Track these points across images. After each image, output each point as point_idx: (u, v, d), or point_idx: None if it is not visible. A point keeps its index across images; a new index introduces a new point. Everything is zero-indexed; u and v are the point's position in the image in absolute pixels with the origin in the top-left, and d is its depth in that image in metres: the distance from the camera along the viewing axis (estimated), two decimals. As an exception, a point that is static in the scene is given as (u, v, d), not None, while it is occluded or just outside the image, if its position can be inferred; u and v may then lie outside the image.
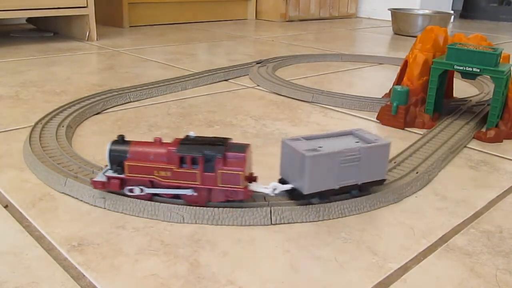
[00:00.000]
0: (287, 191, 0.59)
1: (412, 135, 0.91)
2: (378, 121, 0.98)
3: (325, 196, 0.59)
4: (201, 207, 0.57)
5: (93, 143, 0.80)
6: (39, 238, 0.53)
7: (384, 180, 0.63)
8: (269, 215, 0.57)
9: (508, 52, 0.99)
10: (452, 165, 0.78)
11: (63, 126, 0.83)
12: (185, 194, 0.57)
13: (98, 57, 1.53)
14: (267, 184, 0.59)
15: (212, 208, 0.57)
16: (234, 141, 0.59)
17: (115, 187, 0.58)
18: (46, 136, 0.78)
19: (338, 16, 3.08)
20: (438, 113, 0.98)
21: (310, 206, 0.59)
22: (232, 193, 0.56)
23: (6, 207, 0.59)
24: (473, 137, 0.90)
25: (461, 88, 1.27)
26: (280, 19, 2.76)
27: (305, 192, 0.57)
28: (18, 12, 1.57)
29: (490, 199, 0.66)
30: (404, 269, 0.50)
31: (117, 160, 0.58)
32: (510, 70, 0.90)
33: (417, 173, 0.70)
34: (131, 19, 2.26)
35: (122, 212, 0.58)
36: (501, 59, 0.92)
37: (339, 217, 0.60)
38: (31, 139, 0.76)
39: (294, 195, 0.59)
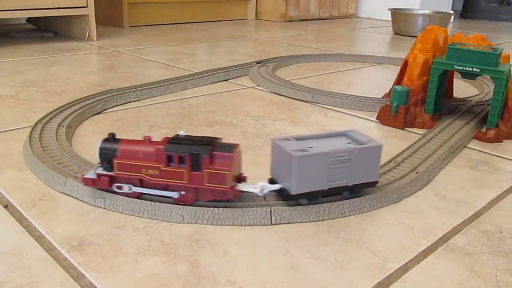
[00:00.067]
0: (275, 191, 0.59)
1: (412, 135, 0.91)
2: (378, 121, 0.98)
3: (314, 197, 0.59)
4: (201, 207, 0.57)
5: (93, 143, 0.80)
6: (39, 238, 0.53)
7: (376, 182, 0.62)
8: (269, 215, 0.57)
9: (508, 52, 0.99)
10: (452, 165, 0.78)
11: (63, 126, 0.83)
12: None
13: (98, 57, 1.53)
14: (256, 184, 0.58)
15: (212, 208, 0.57)
16: (224, 141, 0.59)
17: (105, 184, 0.58)
18: (46, 136, 0.78)
19: (338, 16, 3.09)
20: (438, 113, 0.98)
21: (310, 206, 0.59)
22: (219, 192, 0.56)
23: (6, 207, 0.59)
24: (473, 137, 0.90)
25: (461, 88, 1.27)
26: (280, 19, 2.76)
27: (293, 192, 0.57)
28: (18, 12, 1.57)
29: (490, 199, 0.66)
30: (404, 269, 0.50)
31: (107, 157, 0.58)
32: (510, 70, 0.90)
33: (417, 173, 0.70)
34: (131, 19, 2.26)
35: (122, 212, 0.58)
36: (501, 59, 0.92)
37: (339, 217, 0.60)
38: (31, 139, 0.76)
39: (282, 196, 0.59)
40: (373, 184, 0.62)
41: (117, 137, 0.60)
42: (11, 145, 0.78)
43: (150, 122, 0.92)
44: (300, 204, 0.59)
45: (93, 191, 0.60)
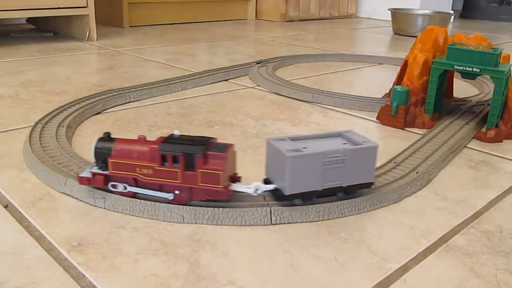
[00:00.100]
0: (270, 191, 0.59)
1: (412, 135, 0.91)
2: (378, 121, 0.98)
3: (309, 198, 0.58)
4: (201, 207, 0.57)
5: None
6: (39, 238, 0.53)
7: (372, 183, 0.61)
8: (269, 215, 0.57)
9: (508, 52, 0.99)
10: (452, 165, 0.78)
11: (63, 126, 0.83)
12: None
13: (98, 57, 1.53)
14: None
15: (212, 208, 0.57)
16: (219, 141, 0.59)
17: (99, 183, 0.59)
18: (46, 136, 0.78)
19: (338, 16, 3.09)
20: (438, 113, 0.98)
21: (310, 206, 0.59)
22: (213, 192, 0.56)
23: (6, 207, 0.59)
24: (473, 137, 0.90)
25: (461, 88, 1.27)
26: (280, 19, 2.76)
27: (287, 192, 0.56)
28: (18, 12, 1.57)
29: (490, 199, 0.66)
30: (404, 269, 0.50)
31: (102, 157, 0.59)
32: (510, 70, 0.90)
33: (417, 173, 0.70)
34: (131, 19, 2.26)
35: (122, 212, 0.58)
36: (501, 59, 0.92)
37: (339, 217, 0.60)
38: (31, 139, 0.76)
39: (276, 196, 0.59)
40: (368, 185, 0.61)
41: (113, 136, 0.60)
42: (11, 145, 0.78)
43: (150, 122, 0.92)
44: (285, 205, 0.58)
45: (93, 191, 0.60)
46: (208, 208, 0.57)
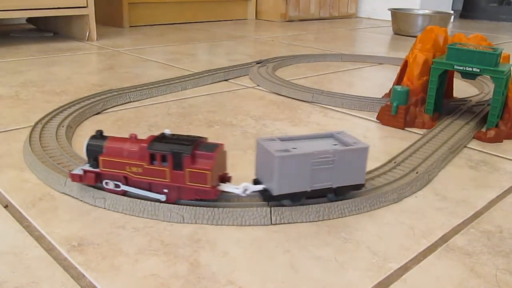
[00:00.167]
0: (258, 191, 0.59)
1: (412, 135, 0.91)
2: (378, 121, 0.98)
3: (298, 199, 0.58)
4: (201, 207, 0.57)
5: (93, 143, 0.80)
6: (39, 238, 0.53)
7: (362, 184, 0.61)
8: (269, 215, 0.57)
9: (508, 52, 0.99)
10: (452, 165, 0.78)
11: (63, 126, 0.83)
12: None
13: (98, 57, 1.53)
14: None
15: (212, 208, 0.57)
16: (210, 140, 0.59)
17: (90, 180, 0.59)
18: (46, 136, 0.78)
19: (338, 16, 3.09)
20: (438, 113, 0.98)
21: (310, 206, 0.59)
22: (201, 192, 0.57)
23: (6, 207, 0.59)
24: (473, 137, 0.90)
25: (461, 88, 1.27)
26: (280, 19, 2.76)
27: (275, 193, 0.56)
28: (18, 12, 1.57)
29: (490, 199, 0.66)
30: (404, 269, 0.50)
31: (93, 154, 0.59)
32: (510, 70, 0.90)
33: (417, 173, 0.70)
34: (131, 19, 2.26)
35: (122, 212, 0.58)
36: (501, 59, 0.92)
37: (339, 217, 0.60)
38: (31, 139, 0.76)
39: (265, 196, 0.58)
40: (359, 186, 0.61)
41: (105, 134, 0.61)
42: (11, 145, 0.78)
43: (150, 122, 0.92)
44: (274, 206, 0.58)
45: (93, 191, 0.60)
46: (208, 208, 0.57)
